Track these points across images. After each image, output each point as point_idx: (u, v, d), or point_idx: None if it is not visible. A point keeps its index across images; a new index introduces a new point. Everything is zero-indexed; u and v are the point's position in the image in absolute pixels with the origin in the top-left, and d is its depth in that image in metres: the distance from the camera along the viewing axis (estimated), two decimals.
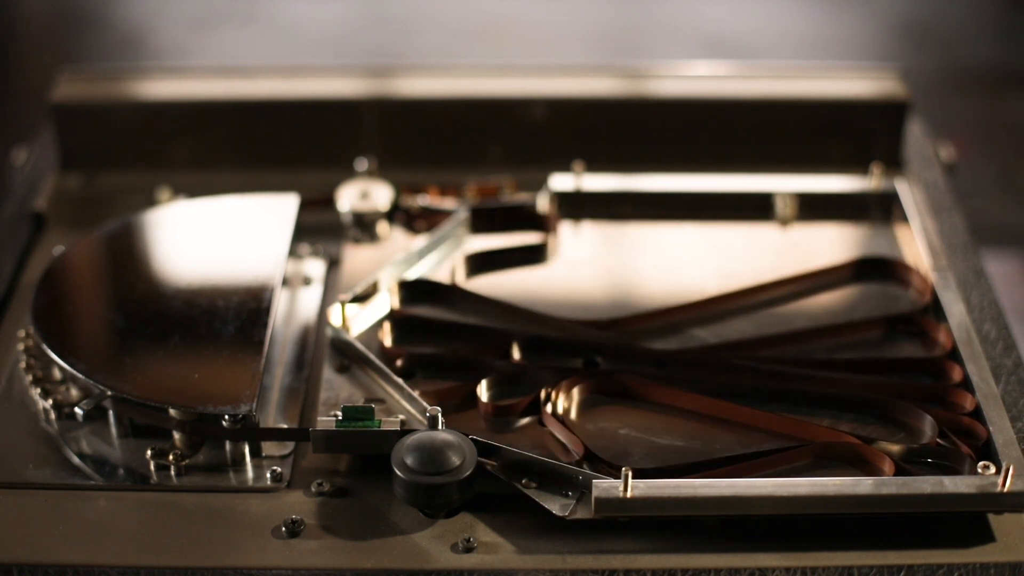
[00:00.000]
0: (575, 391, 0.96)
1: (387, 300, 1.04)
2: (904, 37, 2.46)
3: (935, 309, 1.02)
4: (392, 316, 1.03)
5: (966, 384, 0.95)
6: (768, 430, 0.93)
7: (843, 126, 1.26)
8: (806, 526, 0.85)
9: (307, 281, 1.10)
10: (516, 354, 0.99)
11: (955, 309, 1.01)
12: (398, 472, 0.85)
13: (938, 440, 0.90)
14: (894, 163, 1.26)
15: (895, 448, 0.90)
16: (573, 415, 0.95)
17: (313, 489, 0.89)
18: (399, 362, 0.98)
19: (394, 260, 1.06)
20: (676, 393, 0.95)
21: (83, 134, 1.24)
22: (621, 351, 0.99)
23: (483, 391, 0.95)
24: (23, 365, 0.99)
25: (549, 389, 0.94)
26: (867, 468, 0.89)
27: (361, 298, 1.03)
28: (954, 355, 0.98)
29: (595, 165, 1.19)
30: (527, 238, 1.13)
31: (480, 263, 1.10)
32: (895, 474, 0.88)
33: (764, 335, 1.01)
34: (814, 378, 0.96)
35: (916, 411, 0.92)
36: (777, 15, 2.53)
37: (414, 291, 1.06)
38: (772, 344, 1.01)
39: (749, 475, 0.88)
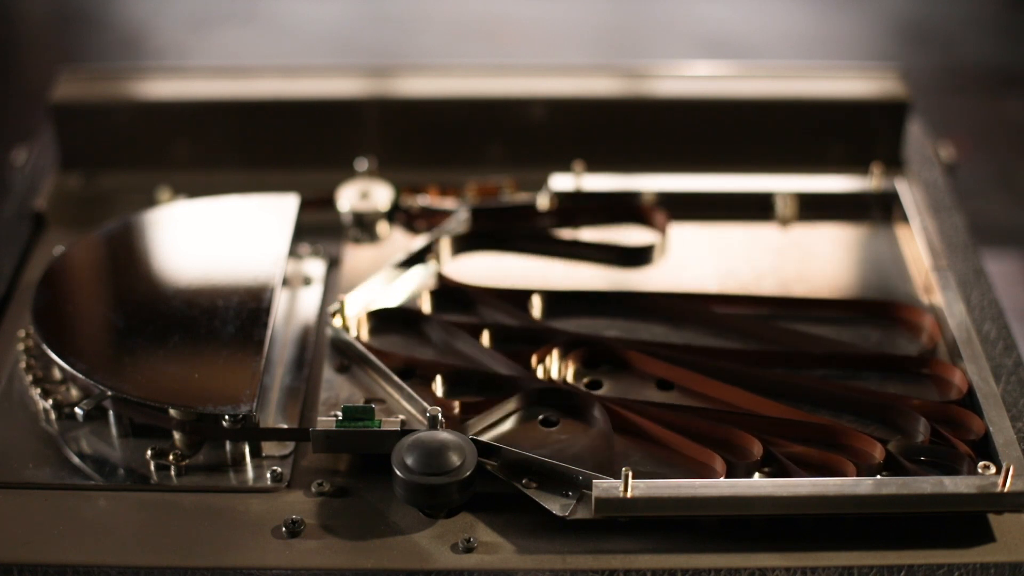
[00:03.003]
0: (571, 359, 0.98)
1: (389, 297, 1.05)
2: (904, 37, 2.46)
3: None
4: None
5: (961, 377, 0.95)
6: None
7: (843, 126, 1.26)
8: (806, 526, 0.85)
9: (307, 281, 1.10)
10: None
11: (955, 309, 1.01)
12: (398, 472, 0.85)
13: (933, 439, 0.90)
14: (894, 163, 1.25)
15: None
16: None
17: (313, 489, 0.89)
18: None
19: (394, 260, 1.06)
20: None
21: (83, 134, 1.24)
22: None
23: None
24: (23, 365, 0.99)
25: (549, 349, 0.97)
26: (853, 452, 0.90)
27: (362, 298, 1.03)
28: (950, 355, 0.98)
29: (595, 165, 1.19)
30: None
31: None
32: (885, 461, 0.88)
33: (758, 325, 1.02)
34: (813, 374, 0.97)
35: (912, 413, 0.92)
36: (777, 15, 2.53)
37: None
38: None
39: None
